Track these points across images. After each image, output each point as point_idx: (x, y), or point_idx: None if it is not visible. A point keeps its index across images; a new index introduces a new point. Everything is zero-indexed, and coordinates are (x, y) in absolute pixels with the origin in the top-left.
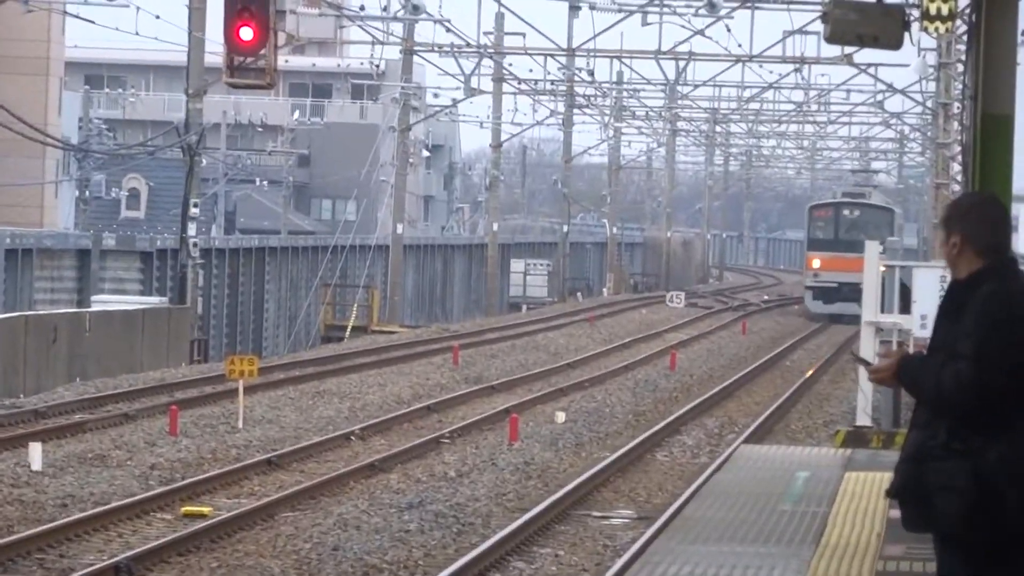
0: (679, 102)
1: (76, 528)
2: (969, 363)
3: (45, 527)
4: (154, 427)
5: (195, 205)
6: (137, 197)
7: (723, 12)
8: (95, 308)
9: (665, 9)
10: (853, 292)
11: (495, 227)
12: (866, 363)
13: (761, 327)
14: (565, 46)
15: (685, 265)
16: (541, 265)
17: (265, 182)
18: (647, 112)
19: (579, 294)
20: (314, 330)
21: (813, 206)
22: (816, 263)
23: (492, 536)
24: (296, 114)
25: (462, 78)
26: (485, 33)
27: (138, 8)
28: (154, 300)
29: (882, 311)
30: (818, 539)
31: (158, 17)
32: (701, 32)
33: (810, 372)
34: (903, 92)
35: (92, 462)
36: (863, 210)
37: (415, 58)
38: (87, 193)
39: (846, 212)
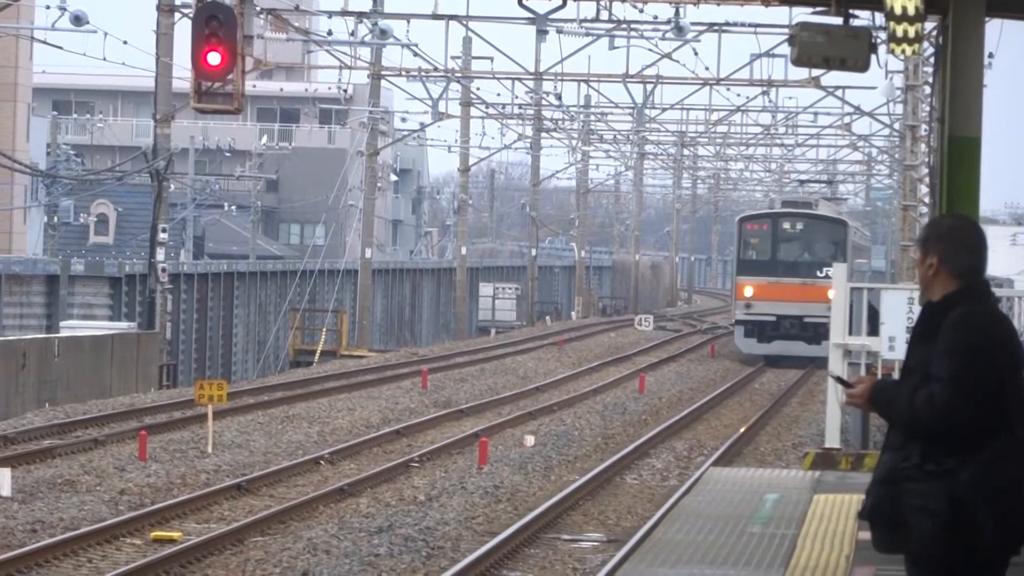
0: (647, 125)
1: (46, 553)
2: (944, 385)
3: (15, 552)
4: (123, 452)
5: (163, 230)
6: (106, 222)
7: (690, 36)
8: (64, 334)
9: (632, 33)
10: (796, 328)
11: (463, 251)
12: (845, 383)
13: (730, 350)
14: (532, 70)
15: (653, 288)
16: (510, 289)
17: (233, 207)
18: (615, 135)
19: (548, 318)
20: (283, 355)
21: (744, 218)
22: (748, 291)
23: (461, 560)
24: (264, 139)
25: (430, 102)
26: (452, 57)
27: (106, 34)
28: (123, 325)
29: (850, 333)
30: (787, 561)
31: (126, 43)
32: (668, 56)
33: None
34: (870, 114)
35: (62, 487)
36: (807, 223)
37: (383, 82)
38: (55, 219)
39: (786, 225)
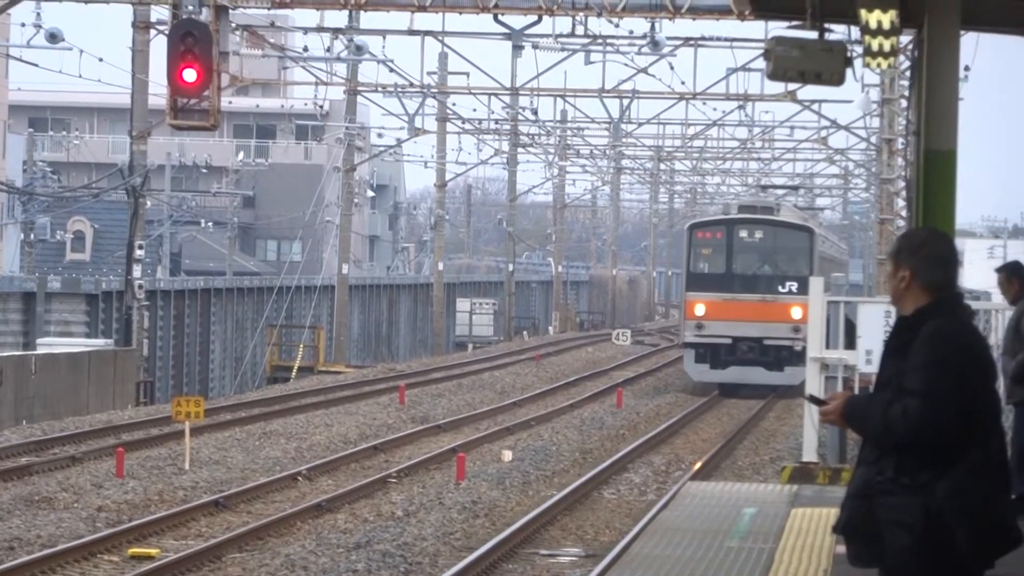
0: (623, 140)
1: (23, 571)
2: (918, 399)
3: None
4: (101, 469)
5: (140, 247)
6: (82, 239)
7: (666, 50)
8: (41, 351)
9: (608, 48)
10: (755, 351)
11: (440, 266)
12: (820, 402)
13: None
14: (509, 85)
15: (631, 303)
16: (487, 304)
17: (210, 223)
18: (591, 150)
19: (525, 333)
20: (260, 371)
21: (695, 225)
22: (699, 309)
23: None
24: (240, 155)
25: (406, 118)
26: (428, 73)
27: (81, 51)
28: (100, 342)
29: (827, 347)
30: (765, 575)
31: (101, 60)
32: (644, 70)
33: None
34: (847, 128)
35: (39, 505)
36: (767, 231)
37: (359, 98)
38: (32, 236)
39: (743, 234)
